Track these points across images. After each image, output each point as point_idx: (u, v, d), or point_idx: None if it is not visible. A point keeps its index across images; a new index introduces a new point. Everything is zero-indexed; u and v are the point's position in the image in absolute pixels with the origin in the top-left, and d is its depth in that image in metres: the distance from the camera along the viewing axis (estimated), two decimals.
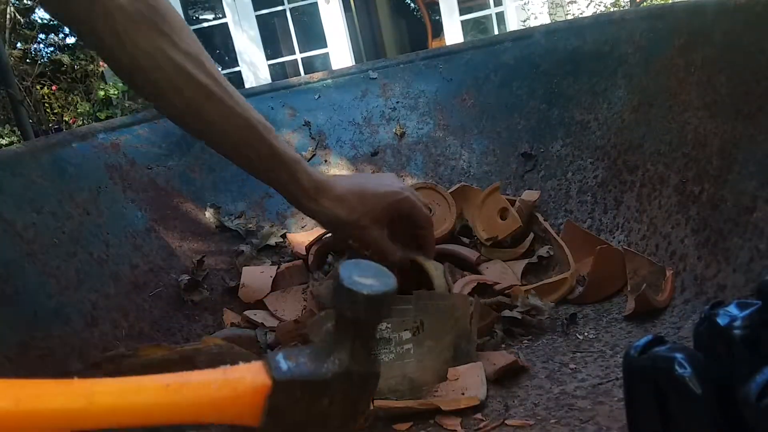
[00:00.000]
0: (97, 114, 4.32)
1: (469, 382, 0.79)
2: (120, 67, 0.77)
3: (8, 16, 4.40)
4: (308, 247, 1.25)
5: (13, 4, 4.62)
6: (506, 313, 0.96)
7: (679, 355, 0.46)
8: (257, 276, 1.22)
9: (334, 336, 0.48)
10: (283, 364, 0.46)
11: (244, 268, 1.25)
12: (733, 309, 0.47)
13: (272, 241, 1.35)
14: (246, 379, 0.45)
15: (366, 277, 0.46)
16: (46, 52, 5.35)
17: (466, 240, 1.22)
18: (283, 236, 1.37)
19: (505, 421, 0.71)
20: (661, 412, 0.48)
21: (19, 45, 4.87)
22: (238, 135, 0.80)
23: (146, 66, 0.75)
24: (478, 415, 0.74)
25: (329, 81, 1.55)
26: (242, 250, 1.30)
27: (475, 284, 1.00)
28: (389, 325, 0.82)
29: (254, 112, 0.83)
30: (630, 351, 0.51)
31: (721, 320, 0.46)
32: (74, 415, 0.42)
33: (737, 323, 0.45)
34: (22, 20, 4.76)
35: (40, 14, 6.02)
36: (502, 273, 1.11)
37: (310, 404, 0.46)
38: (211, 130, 0.80)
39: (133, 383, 0.44)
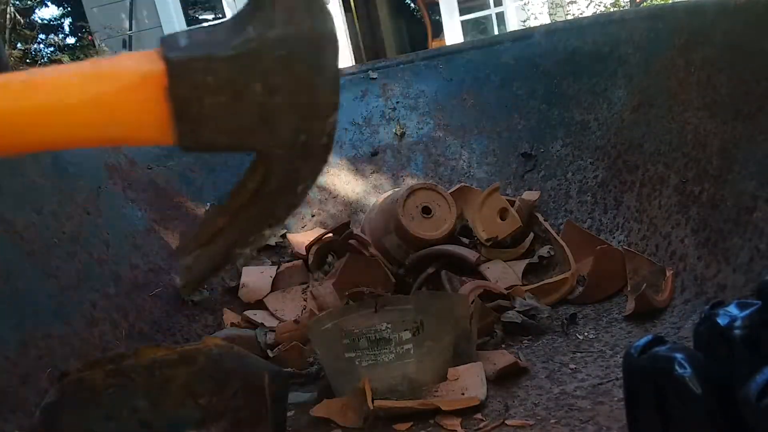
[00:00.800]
0: None
1: (468, 382, 0.79)
2: None
3: (8, 17, 4.41)
4: (308, 247, 1.25)
5: (13, 5, 4.62)
6: (506, 316, 0.96)
7: (679, 355, 0.46)
8: (257, 276, 1.22)
9: None
10: (183, 40, 0.31)
11: (244, 269, 1.25)
12: (733, 309, 0.47)
13: (272, 241, 1.35)
14: (128, 63, 0.30)
15: None
16: (47, 53, 5.35)
17: (466, 240, 1.22)
18: (283, 236, 1.37)
19: (505, 421, 0.71)
20: (661, 411, 0.48)
21: (19, 45, 4.88)
22: None
23: None
24: (479, 415, 0.74)
25: None
26: None
27: (481, 291, 1.00)
28: (389, 325, 0.82)
29: None
30: (630, 351, 0.51)
31: (722, 320, 0.46)
32: None
33: (737, 323, 0.45)
34: (22, 20, 4.77)
35: (41, 14, 6.04)
36: (502, 273, 1.11)
37: (237, 97, 0.30)
38: None
39: None
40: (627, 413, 0.54)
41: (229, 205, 0.37)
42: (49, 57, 5.18)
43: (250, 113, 0.31)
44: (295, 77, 0.31)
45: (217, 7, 5.11)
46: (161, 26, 4.70)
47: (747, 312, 0.46)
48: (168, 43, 0.31)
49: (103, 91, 0.30)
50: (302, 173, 0.35)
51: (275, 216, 0.38)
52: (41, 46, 5.51)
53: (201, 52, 0.30)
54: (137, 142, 0.34)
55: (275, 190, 0.36)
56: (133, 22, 4.61)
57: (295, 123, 0.32)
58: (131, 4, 4.57)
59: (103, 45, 4.53)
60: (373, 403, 0.73)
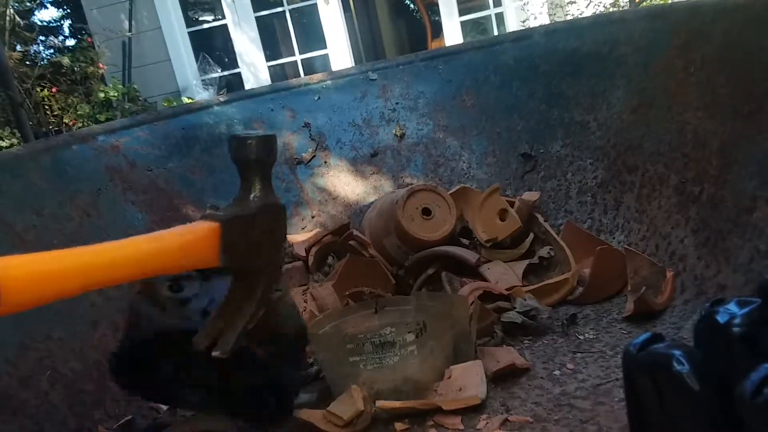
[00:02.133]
0: (97, 116, 4.31)
1: (468, 381, 0.79)
2: None
3: (8, 18, 4.40)
4: (308, 248, 1.25)
5: (12, 7, 4.62)
6: (506, 316, 0.96)
7: (677, 352, 0.46)
8: None
9: (243, 184, 0.62)
10: (222, 212, 0.60)
11: None
12: (732, 307, 0.47)
13: None
14: (202, 225, 0.58)
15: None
16: (46, 54, 5.35)
17: (466, 241, 1.22)
18: None
19: (506, 421, 0.71)
20: (660, 407, 0.48)
21: (18, 47, 4.87)
22: None
23: None
24: (479, 415, 0.74)
25: (329, 82, 1.55)
26: None
27: (481, 292, 1.00)
28: (393, 329, 0.82)
29: None
30: (629, 348, 0.51)
31: (721, 318, 0.46)
32: (88, 272, 0.52)
33: (736, 321, 0.46)
34: (21, 22, 4.76)
35: (40, 16, 6.03)
36: (503, 274, 1.11)
37: (248, 237, 0.60)
38: None
39: (125, 242, 0.56)
40: (627, 409, 0.54)
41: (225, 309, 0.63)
42: (48, 59, 5.18)
43: (251, 246, 0.60)
44: (269, 227, 0.62)
45: (216, 9, 5.11)
46: (161, 28, 4.70)
47: (746, 310, 0.46)
48: (215, 215, 0.59)
49: (191, 239, 0.57)
50: (275, 278, 0.66)
51: (264, 303, 0.64)
52: (41, 47, 5.51)
53: (236, 215, 0.60)
54: (195, 267, 0.62)
55: (263, 292, 0.63)
56: (133, 23, 4.61)
57: (270, 248, 0.63)
58: (131, 5, 4.57)
59: (103, 47, 4.53)
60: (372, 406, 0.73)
